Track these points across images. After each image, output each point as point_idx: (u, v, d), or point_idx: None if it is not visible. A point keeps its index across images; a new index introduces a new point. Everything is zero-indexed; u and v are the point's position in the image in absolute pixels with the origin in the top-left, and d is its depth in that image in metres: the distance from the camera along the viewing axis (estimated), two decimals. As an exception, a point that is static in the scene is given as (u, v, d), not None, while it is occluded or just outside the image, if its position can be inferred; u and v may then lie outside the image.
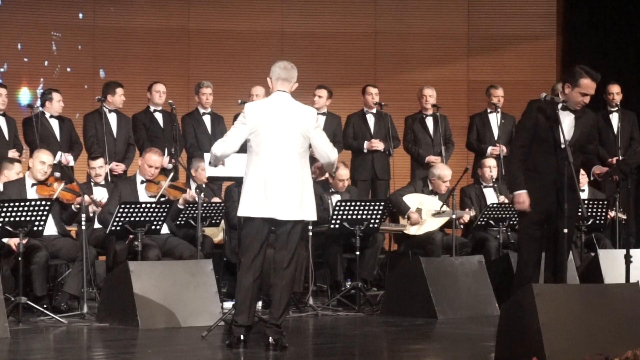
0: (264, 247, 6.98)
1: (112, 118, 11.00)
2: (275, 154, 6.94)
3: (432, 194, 10.48)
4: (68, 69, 13.07)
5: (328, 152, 7.17)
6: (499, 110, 11.60)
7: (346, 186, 10.47)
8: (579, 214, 9.85)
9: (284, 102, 7.07)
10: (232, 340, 6.95)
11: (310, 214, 7.03)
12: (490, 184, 10.75)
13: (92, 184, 9.90)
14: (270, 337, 6.89)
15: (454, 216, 10.02)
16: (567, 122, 7.31)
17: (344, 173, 10.32)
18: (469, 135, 11.77)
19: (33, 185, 9.17)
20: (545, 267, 7.33)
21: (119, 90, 10.98)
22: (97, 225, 9.48)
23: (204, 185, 10.05)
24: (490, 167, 10.75)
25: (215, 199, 10.25)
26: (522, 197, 7.27)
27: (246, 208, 6.95)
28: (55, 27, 13.25)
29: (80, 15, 13.39)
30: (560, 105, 7.30)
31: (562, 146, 7.20)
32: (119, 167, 10.75)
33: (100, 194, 9.67)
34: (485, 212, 10.20)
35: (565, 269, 7.26)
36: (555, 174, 7.22)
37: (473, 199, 10.67)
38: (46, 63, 13.14)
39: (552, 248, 7.27)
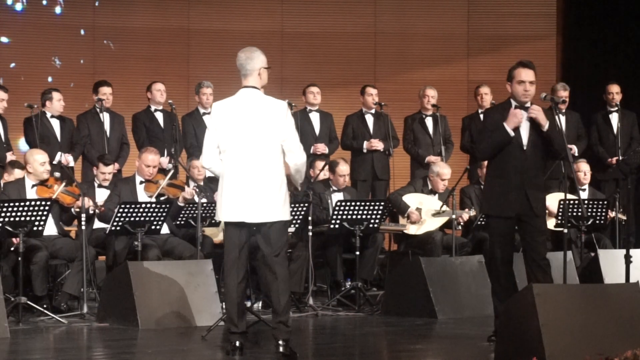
0: (244, 249, 6.80)
1: (106, 117, 11.00)
2: (243, 154, 6.72)
3: (431, 193, 10.48)
4: (71, 85, 13.03)
5: (288, 151, 6.79)
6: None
7: (347, 182, 10.46)
8: (580, 213, 9.90)
9: (251, 98, 6.83)
10: (229, 348, 6.80)
11: (283, 214, 6.76)
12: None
13: (96, 185, 9.87)
14: (280, 340, 6.66)
15: (453, 216, 10.02)
16: (524, 122, 7.26)
17: (344, 169, 10.31)
18: (462, 137, 11.76)
19: (33, 186, 9.17)
20: (526, 266, 7.28)
21: (102, 89, 10.98)
22: (97, 225, 9.49)
23: (202, 184, 10.05)
24: None
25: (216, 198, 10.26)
26: (510, 117, 7.17)
27: (220, 212, 6.80)
28: (55, 29, 13.26)
29: (82, 32, 13.41)
30: (514, 105, 7.27)
31: (524, 147, 7.19)
32: (114, 167, 10.71)
33: (103, 197, 9.65)
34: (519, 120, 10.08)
35: (547, 268, 7.21)
36: (521, 175, 7.21)
37: (473, 199, 10.66)
38: (50, 79, 13.12)
39: (529, 247, 7.25)
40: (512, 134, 7.16)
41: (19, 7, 13.16)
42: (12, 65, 12.99)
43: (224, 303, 6.99)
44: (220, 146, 6.82)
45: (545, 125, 7.18)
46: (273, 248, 6.75)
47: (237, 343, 6.77)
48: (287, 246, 7.12)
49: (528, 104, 7.28)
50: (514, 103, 7.28)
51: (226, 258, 6.84)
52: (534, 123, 7.24)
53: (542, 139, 7.25)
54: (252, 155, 6.73)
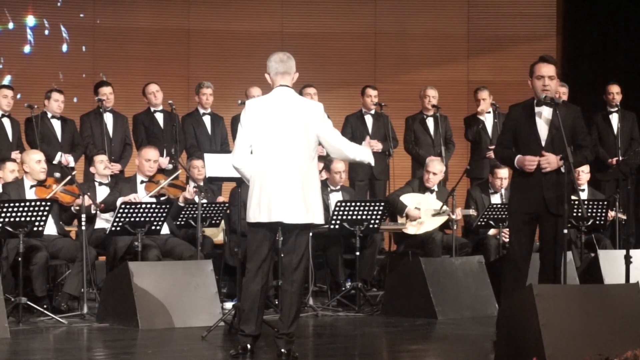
0: (271, 252, 6.67)
1: (108, 118, 11.00)
2: (279, 154, 6.53)
3: (428, 191, 10.46)
4: (75, 100, 13.03)
5: (341, 148, 6.71)
6: (490, 112, 11.57)
7: (343, 179, 10.42)
8: (580, 214, 9.90)
9: (286, 98, 6.63)
10: (238, 350, 6.65)
11: (317, 217, 6.62)
12: (498, 193, 10.65)
13: (97, 183, 9.87)
14: (283, 349, 6.55)
15: (453, 216, 10.01)
16: (545, 118, 7.23)
17: (339, 166, 10.26)
18: (467, 133, 11.74)
19: (32, 187, 9.17)
20: (540, 266, 7.28)
21: (102, 90, 10.98)
22: (97, 225, 9.48)
23: (202, 184, 10.05)
24: (502, 179, 10.58)
25: (219, 199, 10.26)
26: (521, 160, 7.19)
27: (254, 213, 6.58)
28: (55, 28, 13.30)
29: (83, 40, 13.45)
30: (535, 101, 7.24)
31: (542, 144, 7.17)
32: (115, 167, 10.71)
33: (104, 195, 9.65)
34: (486, 213, 10.18)
35: (559, 268, 7.21)
36: (540, 174, 7.19)
37: (478, 203, 10.62)
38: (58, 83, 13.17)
39: (546, 247, 7.23)
40: (517, 167, 7.23)
41: (27, 49, 13.21)
42: (8, 79, 12.97)
43: (241, 304, 6.79)
44: (253, 145, 6.61)
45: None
46: (297, 256, 6.61)
47: (248, 346, 6.63)
48: (308, 255, 6.93)
49: (554, 97, 7.25)
50: (535, 98, 7.25)
51: (253, 260, 6.62)
52: (555, 117, 7.20)
53: (562, 137, 7.22)
54: (289, 155, 6.54)
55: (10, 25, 13.13)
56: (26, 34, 13.15)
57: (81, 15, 13.41)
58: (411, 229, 10.25)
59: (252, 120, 6.64)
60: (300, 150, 6.58)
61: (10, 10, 13.09)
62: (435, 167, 10.46)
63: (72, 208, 9.29)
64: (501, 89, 11.94)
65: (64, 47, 13.29)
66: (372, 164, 7.10)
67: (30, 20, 13.19)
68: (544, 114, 7.22)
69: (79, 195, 9.07)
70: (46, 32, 13.28)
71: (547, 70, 7.19)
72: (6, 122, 10.56)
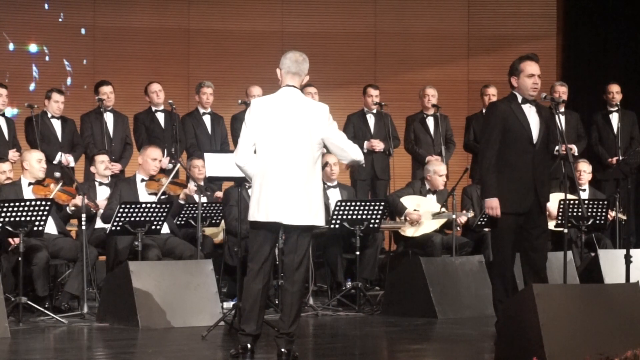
0: (272, 252, 6.65)
1: (109, 117, 11.00)
2: (281, 154, 6.49)
3: (429, 192, 10.45)
4: (68, 81, 13.04)
5: (345, 149, 6.64)
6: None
7: (335, 172, 10.30)
8: (580, 213, 9.91)
9: (293, 98, 6.59)
10: (238, 350, 6.63)
11: (318, 218, 6.58)
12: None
13: (97, 183, 9.87)
14: (283, 348, 6.52)
15: (453, 216, 10.01)
16: (533, 116, 7.21)
17: (331, 160, 10.18)
18: (466, 136, 11.75)
19: (30, 184, 9.16)
20: (524, 266, 7.22)
21: (102, 89, 10.98)
22: (97, 225, 9.48)
23: (203, 184, 10.05)
24: None
25: (218, 194, 10.28)
26: (494, 204, 7.15)
27: (253, 212, 6.57)
28: (55, 31, 13.28)
29: (83, 31, 13.42)
30: (520, 100, 7.20)
31: (534, 142, 7.14)
32: (115, 167, 10.70)
33: (104, 194, 9.65)
34: (485, 212, 10.15)
35: (545, 268, 7.19)
36: (532, 170, 7.16)
37: (474, 200, 10.63)
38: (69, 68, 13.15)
39: (531, 249, 7.17)
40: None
41: (31, 87, 13.20)
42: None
43: (242, 303, 6.78)
44: (257, 144, 6.58)
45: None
46: (298, 256, 6.58)
47: (249, 345, 6.61)
48: (309, 255, 6.91)
49: (554, 97, 7.26)
50: (519, 97, 7.21)
51: (255, 260, 6.60)
52: (540, 117, 7.19)
53: (547, 136, 7.23)
54: (292, 155, 6.51)
55: (11, 47, 13.12)
56: (31, 71, 13.15)
57: (82, 31, 13.40)
58: (409, 230, 10.24)
59: (257, 119, 6.61)
60: (304, 152, 6.55)
61: (10, 34, 13.09)
62: (442, 169, 10.42)
63: (68, 208, 9.29)
64: (501, 88, 11.92)
65: (68, 81, 13.30)
66: (363, 164, 7.19)
67: (32, 47, 13.20)
68: (532, 112, 7.21)
69: (75, 195, 9.07)
70: (47, 58, 13.26)
71: (537, 68, 7.19)
72: (1, 121, 10.56)
